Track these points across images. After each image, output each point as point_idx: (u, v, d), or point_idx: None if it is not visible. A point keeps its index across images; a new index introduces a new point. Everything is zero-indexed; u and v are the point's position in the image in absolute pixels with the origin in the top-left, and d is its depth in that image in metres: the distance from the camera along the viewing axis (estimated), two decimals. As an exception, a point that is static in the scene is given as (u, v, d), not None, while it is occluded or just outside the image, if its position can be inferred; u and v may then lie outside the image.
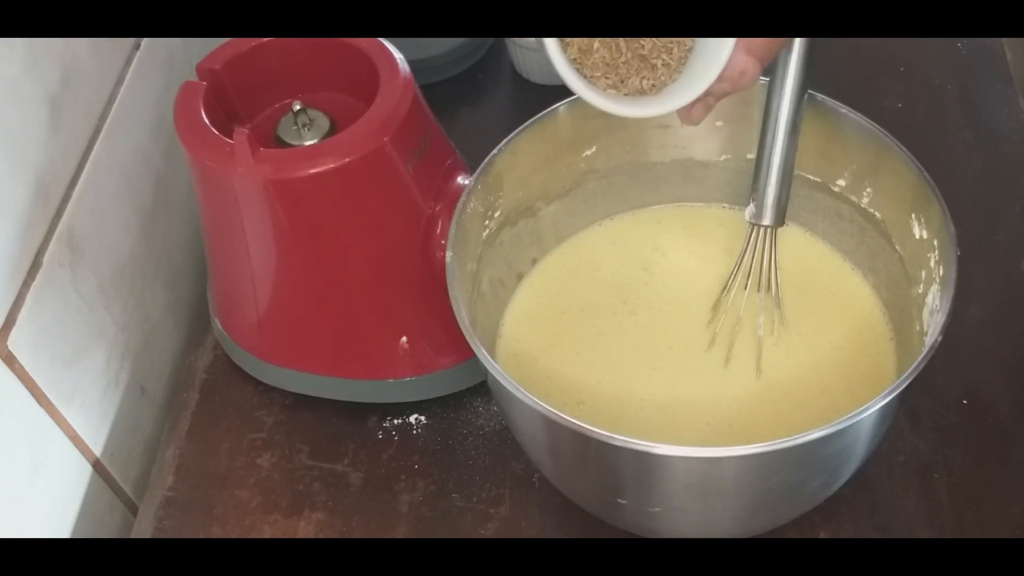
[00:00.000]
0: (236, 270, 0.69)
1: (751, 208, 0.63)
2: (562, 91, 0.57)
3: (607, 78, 0.56)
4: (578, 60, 0.55)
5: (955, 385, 0.71)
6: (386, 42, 0.66)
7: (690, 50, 0.55)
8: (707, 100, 0.56)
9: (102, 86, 0.73)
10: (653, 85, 0.56)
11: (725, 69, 0.53)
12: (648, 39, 0.55)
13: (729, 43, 0.53)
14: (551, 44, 0.54)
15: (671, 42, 0.55)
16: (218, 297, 0.75)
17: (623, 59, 0.55)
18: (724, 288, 0.67)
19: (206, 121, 0.64)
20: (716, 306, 0.68)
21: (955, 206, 0.59)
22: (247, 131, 0.61)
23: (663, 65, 0.55)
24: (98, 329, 0.72)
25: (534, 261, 0.72)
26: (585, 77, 0.56)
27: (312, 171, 0.61)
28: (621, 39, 0.54)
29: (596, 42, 0.54)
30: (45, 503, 0.67)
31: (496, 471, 0.70)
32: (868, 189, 0.66)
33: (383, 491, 0.70)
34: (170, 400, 0.79)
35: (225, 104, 0.67)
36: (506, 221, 0.68)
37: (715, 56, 0.53)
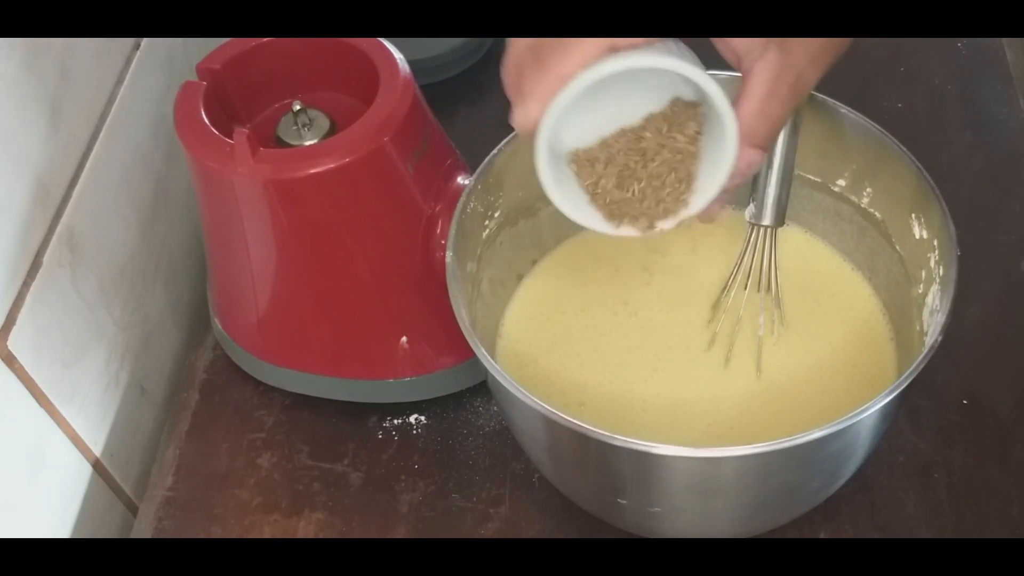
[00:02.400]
0: (236, 270, 0.69)
1: (751, 208, 0.63)
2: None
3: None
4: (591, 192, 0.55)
5: (955, 385, 0.71)
6: (386, 42, 0.66)
7: (696, 157, 0.55)
8: (720, 196, 0.56)
9: (102, 86, 0.73)
10: (666, 210, 0.56)
11: (733, 168, 0.53)
12: (653, 160, 0.54)
13: (730, 156, 0.52)
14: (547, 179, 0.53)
15: (676, 159, 0.54)
16: (218, 297, 0.75)
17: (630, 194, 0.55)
18: (724, 288, 0.67)
19: (206, 121, 0.64)
20: (716, 306, 0.68)
21: (955, 206, 0.59)
22: (247, 131, 0.61)
23: (672, 187, 0.55)
24: (98, 329, 0.72)
25: (534, 261, 0.72)
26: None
27: (312, 171, 0.61)
28: (637, 183, 0.54)
29: (608, 181, 0.54)
30: (45, 503, 0.67)
31: (496, 471, 0.70)
32: (868, 189, 0.66)
33: (383, 491, 0.70)
34: (170, 400, 0.79)
35: (225, 104, 0.67)
36: (506, 221, 0.68)
37: (719, 165, 0.53)
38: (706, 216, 0.57)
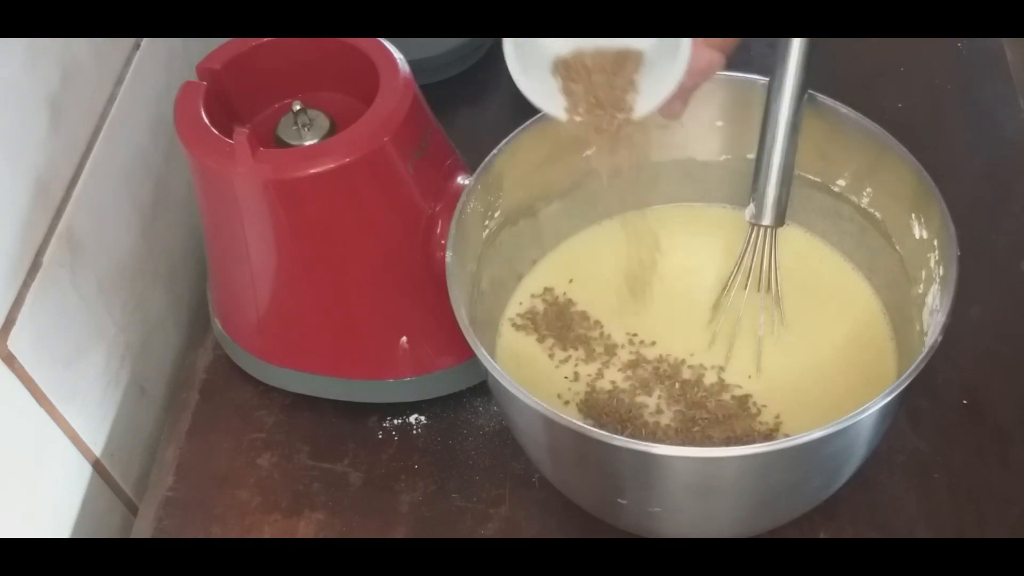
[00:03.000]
0: (236, 270, 0.69)
1: (751, 208, 0.63)
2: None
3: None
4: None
5: (955, 385, 0.71)
6: (386, 42, 0.66)
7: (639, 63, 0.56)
8: (682, 95, 0.57)
9: (102, 86, 0.73)
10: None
11: (691, 65, 0.54)
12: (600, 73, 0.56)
13: (686, 44, 0.53)
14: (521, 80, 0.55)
15: (624, 57, 0.56)
16: (218, 297, 0.75)
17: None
18: (724, 288, 0.67)
19: (206, 121, 0.64)
20: (716, 306, 0.68)
21: (955, 206, 0.59)
22: (247, 131, 0.61)
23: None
24: (98, 329, 0.72)
25: (534, 261, 0.72)
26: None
27: (312, 171, 0.61)
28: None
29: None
30: (45, 503, 0.67)
31: (496, 471, 0.70)
32: (868, 189, 0.66)
33: (383, 491, 0.70)
34: (170, 400, 0.79)
35: (225, 104, 0.67)
36: (506, 221, 0.68)
37: (674, 60, 0.54)
38: (669, 112, 0.58)
